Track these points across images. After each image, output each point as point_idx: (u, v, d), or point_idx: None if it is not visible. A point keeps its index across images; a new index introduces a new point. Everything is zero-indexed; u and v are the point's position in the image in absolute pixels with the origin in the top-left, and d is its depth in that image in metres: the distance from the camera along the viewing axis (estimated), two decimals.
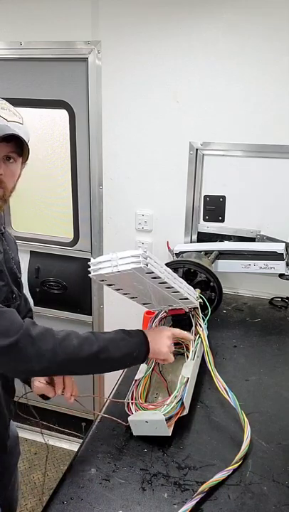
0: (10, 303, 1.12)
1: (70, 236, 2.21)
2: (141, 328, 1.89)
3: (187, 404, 1.05)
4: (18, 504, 1.53)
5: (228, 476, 0.93)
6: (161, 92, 1.80)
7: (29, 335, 0.90)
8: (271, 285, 1.85)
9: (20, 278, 1.20)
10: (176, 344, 1.30)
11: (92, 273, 0.99)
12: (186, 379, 1.09)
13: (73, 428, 2.51)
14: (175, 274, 1.13)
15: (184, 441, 1.04)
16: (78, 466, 0.97)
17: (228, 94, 1.71)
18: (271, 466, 0.97)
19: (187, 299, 1.20)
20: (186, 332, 1.19)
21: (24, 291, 1.27)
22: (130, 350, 1.02)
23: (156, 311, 1.36)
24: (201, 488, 0.88)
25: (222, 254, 1.74)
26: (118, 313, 2.22)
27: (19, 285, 1.19)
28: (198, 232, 1.94)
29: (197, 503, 0.86)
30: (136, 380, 1.15)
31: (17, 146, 1.02)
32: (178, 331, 1.16)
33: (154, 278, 1.01)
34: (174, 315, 1.31)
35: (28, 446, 2.44)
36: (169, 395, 1.08)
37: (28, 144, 1.05)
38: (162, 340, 1.08)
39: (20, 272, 1.21)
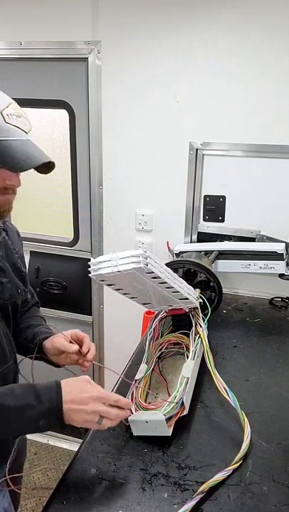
0: (15, 299, 1.10)
1: (70, 236, 2.21)
2: (141, 327, 1.91)
3: (187, 404, 1.05)
4: (19, 504, 1.53)
5: (228, 476, 0.93)
6: (161, 92, 1.80)
7: None
8: (271, 285, 1.85)
9: (25, 272, 1.17)
10: (176, 344, 1.31)
11: (92, 273, 0.99)
12: (186, 379, 1.09)
13: (73, 428, 2.51)
14: (175, 274, 1.13)
15: (184, 441, 1.04)
16: (78, 466, 0.97)
17: (228, 94, 1.71)
18: (271, 466, 0.97)
19: (187, 299, 1.20)
20: (122, 399, 0.93)
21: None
22: (35, 419, 0.84)
23: (156, 311, 1.36)
24: (201, 488, 0.88)
25: (222, 254, 1.74)
26: (118, 313, 2.23)
27: (24, 280, 1.16)
28: (198, 232, 1.94)
29: (197, 503, 0.86)
30: (136, 380, 1.15)
31: None
32: (110, 397, 0.91)
33: (154, 278, 1.01)
34: (174, 315, 1.31)
35: (28, 446, 2.44)
36: (169, 395, 1.08)
37: None
38: (81, 408, 0.87)
39: (24, 267, 1.18)
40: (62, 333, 1.10)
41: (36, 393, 0.86)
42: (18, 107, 0.95)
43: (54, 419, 0.85)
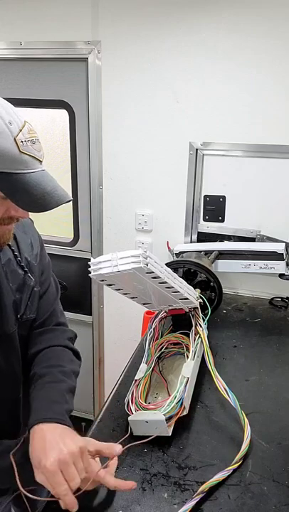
0: (12, 330, 0.96)
1: (70, 236, 2.21)
2: (141, 327, 1.91)
3: (187, 404, 1.05)
4: None
5: (228, 476, 0.93)
6: (161, 92, 1.80)
7: None
8: (271, 285, 1.85)
9: (32, 288, 1.01)
10: (176, 344, 1.31)
11: (92, 273, 0.99)
12: (186, 379, 1.09)
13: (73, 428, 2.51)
14: (175, 274, 1.13)
15: (184, 441, 1.04)
16: None
17: (228, 94, 1.71)
18: (271, 466, 0.97)
19: (187, 299, 1.20)
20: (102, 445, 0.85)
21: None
22: None
23: (156, 311, 1.35)
24: (201, 488, 0.88)
25: (222, 254, 1.74)
26: (118, 313, 2.23)
27: (31, 298, 0.99)
28: (198, 232, 1.94)
29: (197, 503, 0.86)
30: (136, 380, 1.15)
31: None
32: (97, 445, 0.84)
33: (154, 278, 1.01)
34: (174, 315, 1.31)
35: None
36: (169, 395, 1.08)
37: None
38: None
39: (35, 280, 1.01)
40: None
41: None
42: (32, 126, 0.80)
43: None
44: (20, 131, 0.75)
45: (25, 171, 0.77)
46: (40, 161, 0.80)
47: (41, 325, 1.06)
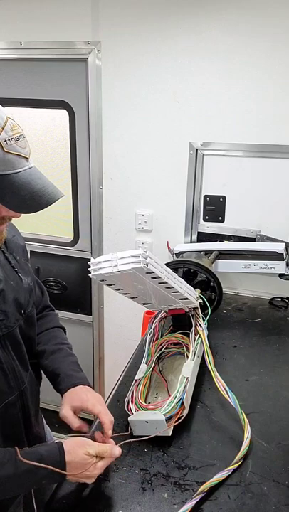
0: (20, 320, 0.99)
1: (70, 236, 2.21)
2: (141, 327, 1.91)
3: (187, 404, 1.05)
4: None
5: (228, 476, 0.93)
6: (161, 92, 1.80)
7: None
8: (271, 285, 1.85)
9: (30, 283, 1.04)
10: (176, 344, 1.31)
11: (92, 273, 0.99)
12: (186, 379, 1.09)
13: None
14: (175, 274, 1.13)
15: (184, 441, 1.04)
16: None
17: (228, 94, 1.71)
18: (271, 466, 0.97)
19: (187, 299, 1.20)
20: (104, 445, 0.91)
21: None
22: (36, 482, 0.82)
23: (156, 311, 1.36)
24: (201, 488, 0.88)
25: (222, 254, 1.74)
26: (118, 313, 2.23)
27: (30, 290, 1.03)
28: (198, 232, 1.94)
29: (197, 503, 0.86)
30: (136, 380, 1.15)
31: None
32: (99, 449, 0.87)
33: (154, 278, 1.01)
34: (174, 315, 1.31)
35: None
36: (169, 395, 1.08)
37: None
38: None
39: (28, 273, 1.05)
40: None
41: (41, 455, 0.82)
42: (14, 121, 0.76)
43: (57, 478, 0.83)
44: (3, 129, 0.72)
45: (11, 172, 0.75)
46: (27, 158, 0.78)
47: (39, 312, 1.16)
